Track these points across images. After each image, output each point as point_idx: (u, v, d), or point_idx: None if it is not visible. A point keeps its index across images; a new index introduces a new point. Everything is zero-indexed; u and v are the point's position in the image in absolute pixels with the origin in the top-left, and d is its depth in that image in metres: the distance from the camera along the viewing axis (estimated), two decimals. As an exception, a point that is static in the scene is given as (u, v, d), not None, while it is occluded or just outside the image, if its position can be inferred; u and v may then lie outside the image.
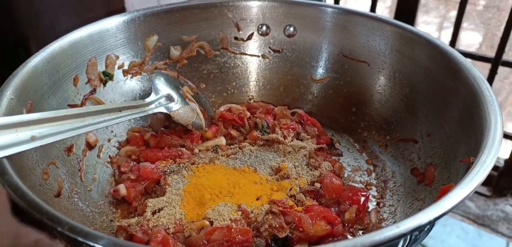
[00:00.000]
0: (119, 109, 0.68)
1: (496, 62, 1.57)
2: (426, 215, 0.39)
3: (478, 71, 0.65)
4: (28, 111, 0.62)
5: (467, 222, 1.68)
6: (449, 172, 0.62)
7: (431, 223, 0.40)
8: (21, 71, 0.63)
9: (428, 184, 0.66)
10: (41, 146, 0.61)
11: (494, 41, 2.14)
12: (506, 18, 1.52)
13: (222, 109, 0.88)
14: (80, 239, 0.37)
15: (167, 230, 0.61)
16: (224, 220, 0.61)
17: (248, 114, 0.88)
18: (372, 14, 0.86)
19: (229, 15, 0.93)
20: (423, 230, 0.48)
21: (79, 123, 0.59)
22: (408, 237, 0.48)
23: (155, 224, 0.62)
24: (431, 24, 3.01)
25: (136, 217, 0.65)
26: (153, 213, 0.64)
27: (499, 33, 1.57)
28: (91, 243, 0.37)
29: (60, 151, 0.68)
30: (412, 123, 0.78)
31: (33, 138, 0.52)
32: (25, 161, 0.57)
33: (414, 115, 0.78)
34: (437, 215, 0.39)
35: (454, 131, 0.66)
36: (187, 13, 0.90)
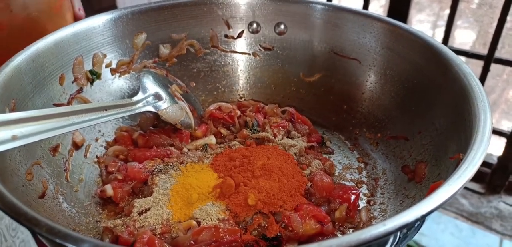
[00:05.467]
0: (105, 108, 0.67)
1: (488, 59, 1.57)
2: (414, 212, 0.39)
3: (469, 67, 0.64)
4: (11, 111, 0.60)
5: (461, 219, 1.68)
6: (439, 169, 0.62)
7: (420, 221, 0.39)
8: (4, 70, 0.62)
9: (418, 182, 0.65)
10: (24, 146, 0.60)
11: (487, 38, 2.14)
12: (499, 15, 1.52)
13: (212, 108, 0.87)
14: (58, 240, 0.36)
15: (154, 231, 0.60)
16: (211, 220, 0.60)
17: (238, 112, 0.86)
18: (362, 11, 0.86)
19: (218, 13, 0.92)
20: (412, 227, 0.47)
21: (62, 122, 0.58)
22: (397, 234, 0.47)
23: (141, 225, 0.60)
24: (424, 22, 3.02)
25: (122, 218, 0.64)
26: (140, 213, 0.63)
27: (492, 30, 1.57)
28: (70, 245, 0.36)
29: (45, 151, 0.67)
30: (402, 120, 0.77)
31: (14, 138, 0.50)
32: (7, 161, 0.56)
33: (405, 112, 0.77)
34: (424, 212, 0.39)
35: (445, 128, 0.65)
36: (176, 11, 0.89)
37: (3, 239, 0.75)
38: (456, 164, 0.54)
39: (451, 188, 0.42)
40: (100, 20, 0.80)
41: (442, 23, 2.71)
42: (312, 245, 0.35)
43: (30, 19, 0.79)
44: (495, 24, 1.55)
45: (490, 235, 1.64)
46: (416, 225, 0.54)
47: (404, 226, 0.38)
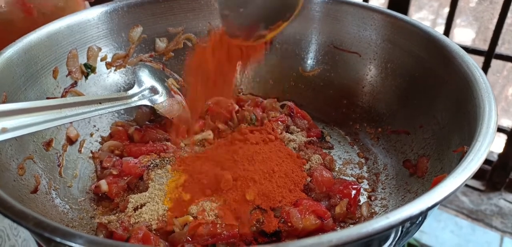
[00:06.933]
0: (99, 101, 0.65)
1: (489, 55, 1.56)
2: (418, 205, 0.37)
3: (472, 58, 0.63)
4: (3, 103, 0.59)
5: (461, 216, 1.67)
6: (442, 163, 0.60)
7: (423, 214, 0.38)
8: (-6, 62, 0.60)
9: (420, 176, 0.64)
10: (16, 139, 0.59)
11: (487, 34, 2.13)
12: (499, 10, 1.50)
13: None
14: (47, 235, 0.35)
15: (149, 227, 0.58)
16: (209, 215, 0.59)
17: (236, 107, 0.85)
18: (362, 3, 0.84)
19: (216, 6, 0.90)
20: (415, 222, 0.46)
21: (55, 115, 0.56)
22: (399, 229, 0.46)
23: (136, 221, 0.59)
24: (424, 20, 3.00)
25: (117, 214, 0.62)
26: (135, 209, 0.61)
27: (492, 27, 1.56)
28: (58, 239, 0.34)
29: (38, 146, 0.65)
30: (404, 114, 0.76)
31: (3, 130, 0.49)
32: (-2, 155, 0.54)
33: (406, 106, 0.76)
34: (429, 205, 0.37)
35: (447, 121, 0.64)
36: (173, 4, 0.87)
37: (6, 238, 0.75)
38: (460, 157, 0.52)
39: (456, 181, 0.40)
40: (95, 13, 0.79)
41: (441, 21, 2.69)
42: (312, 238, 0.34)
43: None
44: (495, 20, 1.53)
45: (490, 233, 1.62)
46: (418, 220, 0.52)
47: (408, 219, 0.37)
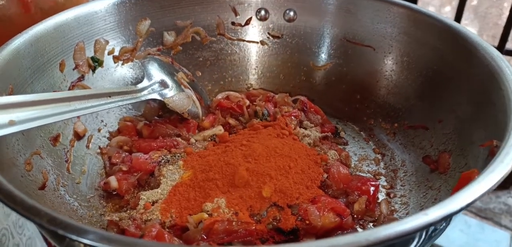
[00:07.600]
0: (109, 95, 0.63)
1: (499, 50, 1.53)
2: (458, 200, 0.35)
3: (496, 50, 0.60)
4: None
5: (470, 215, 1.64)
6: (466, 158, 0.58)
7: (461, 210, 0.35)
8: (1, 54, 0.58)
9: (442, 172, 0.61)
10: (23, 134, 0.57)
11: (495, 31, 2.11)
12: (508, 7, 1.48)
13: (220, 97, 0.83)
14: (60, 231, 0.32)
15: (163, 224, 0.56)
16: (224, 212, 0.56)
17: (247, 102, 0.83)
18: (377, -5, 0.82)
19: (225, -1, 0.88)
20: (448, 220, 0.43)
21: (63, 108, 0.54)
22: (426, 231, 0.44)
23: (149, 218, 0.57)
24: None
25: (128, 211, 0.60)
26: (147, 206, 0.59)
27: (501, 23, 1.53)
28: (74, 237, 0.32)
29: (45, 141, 0.63)
30: (421, 108, 0.73)
31: (11, 123, 0.46)
32: (5, 150, 0.52)
33: (424, 100, 0.73)
34: (470, 200, 0.35)
35: (469, 115, 0.62)
36: (181, -4, 0.85)
37: (10, 236, 0.73)
38: (488, 151, 0.50)
39: (495, 175, 0.38)
40: (102, 5, 0.76)
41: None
42: (348, 237, 0.31)
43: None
44: (504, 16, 1.51)
45: (499, 231, 1.60)
46: (444, 224, 0.50)
47: (446, 217, 0.34)
